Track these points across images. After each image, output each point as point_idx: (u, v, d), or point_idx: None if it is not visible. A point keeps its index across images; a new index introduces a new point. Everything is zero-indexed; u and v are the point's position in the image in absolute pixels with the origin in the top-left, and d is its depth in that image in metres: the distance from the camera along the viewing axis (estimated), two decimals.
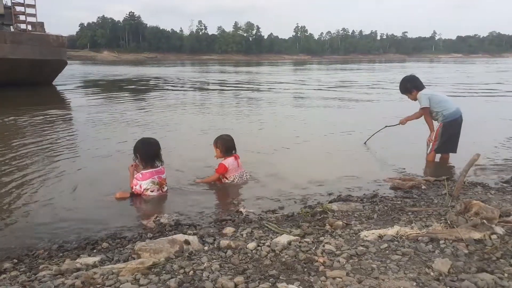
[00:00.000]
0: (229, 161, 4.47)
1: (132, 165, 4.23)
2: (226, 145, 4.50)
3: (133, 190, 4.08)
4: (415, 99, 5.45)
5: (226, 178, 4.50)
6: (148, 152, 4.14)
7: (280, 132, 7.84)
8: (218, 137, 4.59)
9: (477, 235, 2.43)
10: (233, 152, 4.56)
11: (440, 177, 4.50)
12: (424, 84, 5.51)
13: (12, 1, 20.03)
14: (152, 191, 4.08)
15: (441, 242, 2.39)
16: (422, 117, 5.49)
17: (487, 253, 2.22)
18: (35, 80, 17.79)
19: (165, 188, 4.23)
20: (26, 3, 19.99)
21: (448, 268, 2.02)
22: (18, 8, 20.38)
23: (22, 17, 20.56)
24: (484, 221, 2.57)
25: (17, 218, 3.58)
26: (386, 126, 6.21)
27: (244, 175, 4.60)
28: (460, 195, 3.58)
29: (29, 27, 20.59)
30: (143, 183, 4.05)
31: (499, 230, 2.48)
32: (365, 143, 6.43)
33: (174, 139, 7.00)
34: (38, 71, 17.78)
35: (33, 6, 20.24)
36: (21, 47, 17.03)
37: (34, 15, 20.54)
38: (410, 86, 5.44)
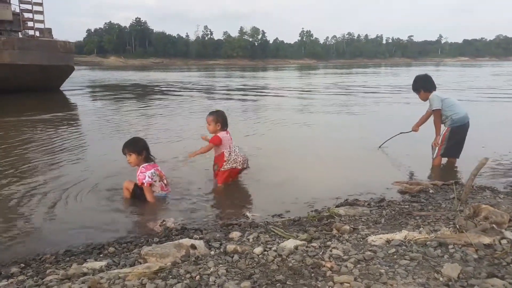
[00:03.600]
0: (223, 134, 4.60)
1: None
2: (224, 120, 4.68)
3: (142, 184, 4.05)
4: (424, 99, 5.41)
5: (224, 158, 4.56)
6: (147, 146, 4.26)
7: (286, 136, 7.82)
8: (218, 113, 4.71)
9: (486, 239, 2.39)
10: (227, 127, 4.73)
11: (448, 181, 4.46)
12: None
13: (21, 7, 20.30)
14: (155, 181, 4.14)
15: (450, 247, 2.36)
16: (428, 120, 5.47)
17: (497, 258, 2.18)
18: (43, 86, 17.97)
19: (165, 181, 4.28)
20: (34, 9, 20.26)
21: (458, 273, 1.99)
22: (26, 15, 20.65)
23: (30, 24, 20.85)
24: (494, 225, 2.54)
25: (24, 223, 3.60)
26: (401, 133, 6.16)
27: (237, 149, 4.69)
28: (469, 199, 3.54)
29: (37, 33, 20.85)
30: (148, 173, 4.09)
31: (509, 234, 2.44)
32: (379, 147, 6.41)
33: (179, 143, 7.00)
34: (46, 77, 17.96)
35: (41, 12, 20.51)
36: (29, 53, 17.24)
37: (42, 22, 20.80)
38: (419, 85, 5.40)
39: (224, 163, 4.57)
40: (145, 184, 4.05)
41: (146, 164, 4.16)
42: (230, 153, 4.59)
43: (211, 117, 4.65)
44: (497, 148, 6.17)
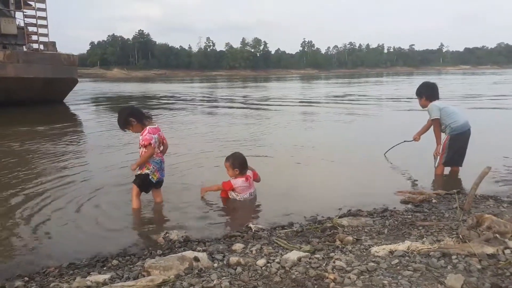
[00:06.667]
0: (238, 182, 4.45)
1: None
2: (242, 165, 4.47)
3: (149, 144, 4.04)
4: (423, 106, 5.43)
5: (234, 193, 4.51)
6: (139, 110, 4.24)
7: (289, 147, 7.83)
8: (234, 157, 4.51)
9: (490, 249, 2.39)
10: (246, 171, 4.53)
11: (450, 191, 4.46)
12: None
13: (25, 22, 20.56)
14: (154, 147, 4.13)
15: (453, 257, 2.35)
16: (430, 129, 5.48)
17: (501, 268, 2.18)
18: (47, 98, 18.11)
19: (161, 148, 4.28)
20: (38, 23, 20.50)
21: (461, 284, 1.99)
22: (30, 29, 20.89)
23: (34, 37, 21.05)
24: (497, 235, 2.54)
25: (27, 236, 3.61)
26: (404, 141, 6.17)
27: (252, 196, 4.56)
28: (472, 209, 3.53)
29: (41, 47, 21.05)
30: (155, 136, 4.10)
31: None
32: (384, 154, 6.41)
33: (183, 154, 7.02)
34: (50, 89, 18.10)
35: (45, 26, 20.72)
36: (33, 66, 17.40)
37: (46, 35, 21.00)
38: (423, 91, 5.41)
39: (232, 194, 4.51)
40: (152, 145, 4.05)
41: (152, 127, 4.15)
42: (241, 198, 4.47)
43: (228, 163, 4.47)
44: (500, 157, 6.16)
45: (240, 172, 4.46)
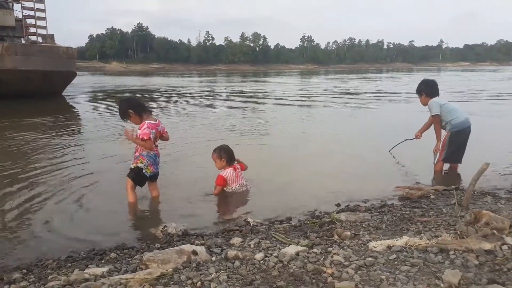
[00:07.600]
0: (228, 172, 4.50)
1: (126, 129, 4.21)
2: (229, 155, 4.56)
3: (149, 138, 4.03)
4: (424, 104, 5.43)
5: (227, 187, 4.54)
6: (138, 103, 4.22)
7: (288, 142, 7.83)
8: (221, 148, 4.60)
9: (487, 245, 2.40)
10: (234, 162, 4.60)
11: (449, 187, 4.46)
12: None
13: (23, 14, 20.46)
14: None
15: (451, 252, 2.36)
16: (431, 127, 5.47)
17: (498, 264, 2.19)
18: (45, 91, 18.05)
19: (157, 142, 4.26)
20: (37, 16, 20.41)
21: (459, 279, 2.00)
22: (29, 21, 20.81)
23: (32, 29, 20.99)
24: (494, 231, 2.55)
25: (26, 229, 3.62)
26: (406, 140, 6.17)
27: (243, 187, 4.59)
28: (470, 205, 3.54)
29: (40, 39, 20.99)
30: (153, 131, 4.08)
31: (510, 240, 2.45)
32: (389, 151, 6.39)
33: (182, 150, 7.02)
34: (48, 82, 18.05)
35: (44, 18, 20.66)
36: (31, 58, 17.34)
37: (44, 28, 20.95)
38: (422, 88, 5.42)
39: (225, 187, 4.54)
40: (150, 140, 4.03)
41: (151, 122, 4.12)
42: (232, 191, 4.50)
43: (215, 155, 4.57)
44: (498, 153, 6.17)
45: (226, 162, 4.53)
